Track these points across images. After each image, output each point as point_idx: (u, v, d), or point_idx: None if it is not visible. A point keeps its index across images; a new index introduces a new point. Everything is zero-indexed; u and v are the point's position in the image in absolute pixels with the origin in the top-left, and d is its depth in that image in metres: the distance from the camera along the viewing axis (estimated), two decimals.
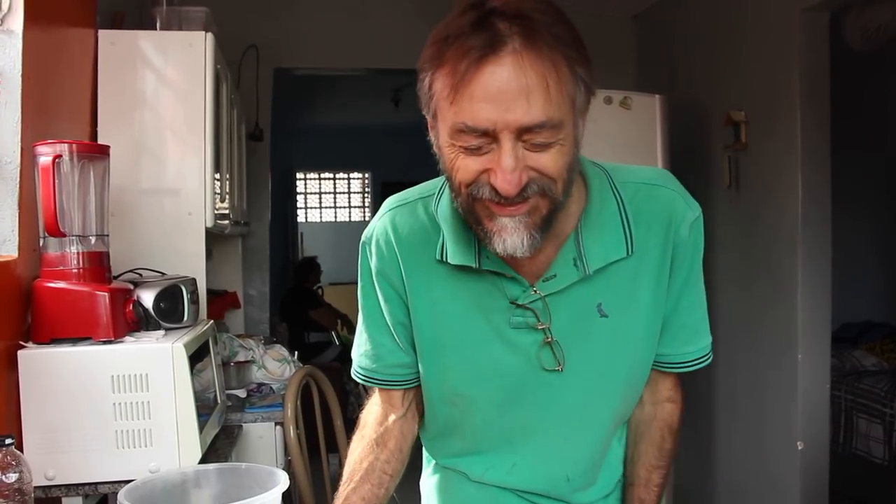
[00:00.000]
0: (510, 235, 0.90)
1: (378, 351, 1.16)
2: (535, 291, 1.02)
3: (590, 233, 1.01)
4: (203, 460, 1.71)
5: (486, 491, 1.18)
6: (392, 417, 1.20)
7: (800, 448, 2.94)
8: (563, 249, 1.01)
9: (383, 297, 1.12)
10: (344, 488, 1.17)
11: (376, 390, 1.21)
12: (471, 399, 1.11)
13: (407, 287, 1.08)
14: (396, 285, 1.09)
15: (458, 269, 1.03)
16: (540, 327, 1.02)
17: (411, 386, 1.18)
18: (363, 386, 1.28)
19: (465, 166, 0.89)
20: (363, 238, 1.13)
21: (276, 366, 2.76)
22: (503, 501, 1.17)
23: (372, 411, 1.22)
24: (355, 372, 1.20)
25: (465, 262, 1.01)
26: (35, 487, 1.41)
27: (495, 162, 0.87)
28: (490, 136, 0.86)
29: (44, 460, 1.59)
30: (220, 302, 3.44)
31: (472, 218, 0.94)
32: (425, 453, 1.29)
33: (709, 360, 1.15)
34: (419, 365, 1.13)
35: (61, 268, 1.70)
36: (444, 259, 1.03)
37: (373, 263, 1.11)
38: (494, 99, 0.84)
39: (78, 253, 1.71)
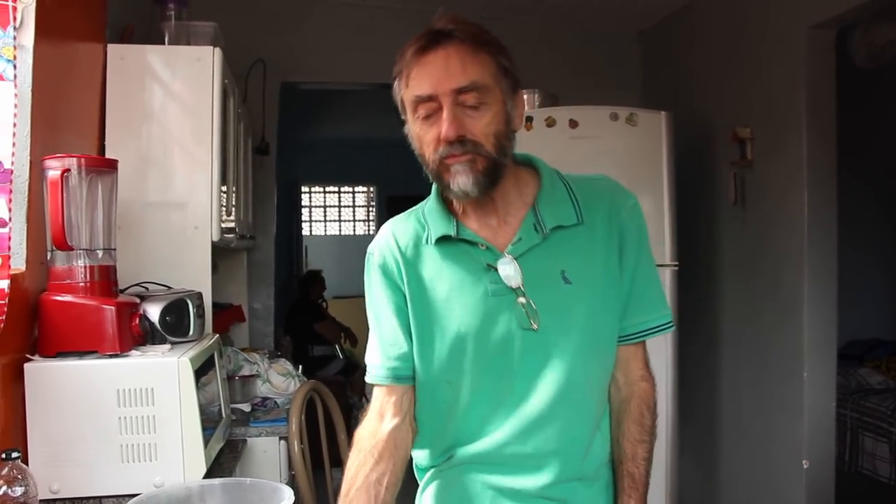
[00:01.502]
0: (461, 176, 1.18)
1: (382, 344, 1.31)
2: (505, 255, 1.24)
3: (544, 206, 1.26)
4: (208, 475, 1.71)
5: (477, 489, 1.28)
6: (386, 427, 1.29)
7: (805, 466, 2.93)
8: (525, 221, 1.26)
9: (385, 287, 1.30)
10: (342, 502, 1.26)
11: (369, 407, 1.33)
12: (460, 369, 1.25)
13: (405, 275, 1.28)
14: (396, 277, 1.30)
15: (442, 252, 1.27)
16: (513, 285, 1.22)
17: (411, 383, 1.30)
18: (365, 398, 1.36)
19: (427, 139, 1.19)
20: (368, 250, 1.35)
21: (280, 380, 2.76)
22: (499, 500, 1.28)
23: (366, 426, 1.31)
24: (368, 374, 1.34)
25: (445, 232, 1.26)
26: (40, 501, 1.41)
27: (442, 124, 1.16)
28: (435, 101, 1.16)
29: (49, 474, 1.59)
30: (226, 315, 3.43)
31: (440, 181, 1.22)
32: (418, 470, 1.39)
33: (671, 328, 1.32)
34: (415, 347, 1.28)
35: (68, 281, 1.70)
36: (430, 241, 1.28)
37: (377, 263, 1.32)
38: (434, 73, 1.16)
39: (85, 266, 1.72)
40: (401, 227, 1.33)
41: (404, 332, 1.29)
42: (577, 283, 1.24)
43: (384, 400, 1.30)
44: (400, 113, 1.26)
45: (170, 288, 2.12)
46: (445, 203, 1.30)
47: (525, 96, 3.22)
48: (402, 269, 1.29)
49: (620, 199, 1.30)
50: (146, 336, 1.80)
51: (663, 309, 1.32)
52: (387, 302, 1.30)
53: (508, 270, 1.22)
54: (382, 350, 1.31)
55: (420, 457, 1.37)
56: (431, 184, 1.28)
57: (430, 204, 1.32)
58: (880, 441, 3.63)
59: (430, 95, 1.16)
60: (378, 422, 1.30)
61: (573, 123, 3.11)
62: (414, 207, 1.36)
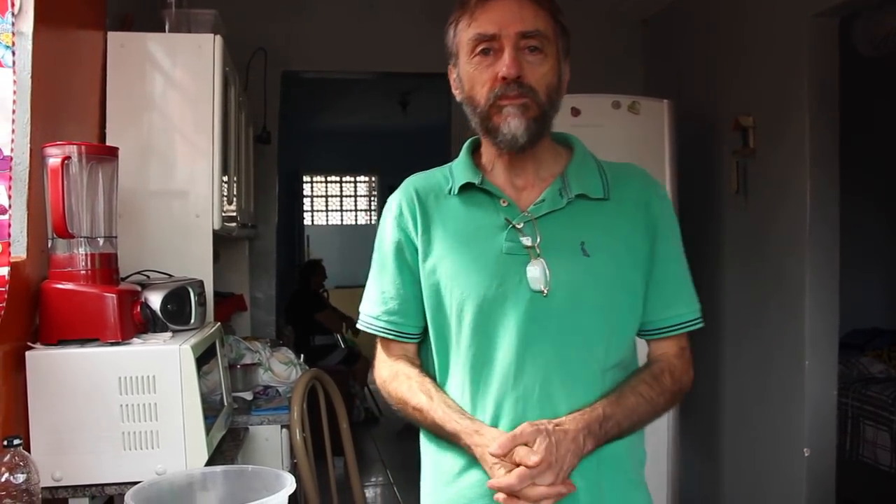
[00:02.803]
0: (513, 119, 1.18)
1: (383, 297, 1.30)
2: (527, 213, 1.22)
3: (573, 176, 1.26)
4: (209, 462, 1.71)
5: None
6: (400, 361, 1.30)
7: (806, 455, 2.93)
8: (551, 185, 1.25)
9: (396, 240, 1.29)
10: (430, 404, 1.23)
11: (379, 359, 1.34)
12: (460, 324, 1.22)
13: (420, 226, 1.27)
14: (410, 230, 1.28)
15: (463, 202, 1.26)
16: (528, 244, 1.20)
17: (404, 340, 1.30)
18: (368, 387, 1.35)
19: (482, 78, 1.19)
20: (388, 200, 1.34)
21: (282, 368, 2.76)
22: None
23: (383, 368, 1.32)
24: (361, 321, 1.34)
25: (470, 179, 1.25)
26: (42, 488, 1.41)
27: (501, 61, 1.17)
28: (497, 41, 1.17)
29: (51, 461, 1.59)
30: (227, 304, 3.44)
31: (487, 124, 1.21)
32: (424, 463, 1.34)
33: (700, 324, 1.30)
34: (425, 299, 1.26)
35: (69, 269, 1.70)
36: (453, 192, 1.27)
37: (394, 214, 1.30)
38: (502, 14, 1.18)
39: (86, 254, 1.72)
40: (423, 179, 1.33)
41: (405, 286, 1.28)
42: (596, 257, 1.20)
43: (389, 344, 1.32)
44: (449, 58, 1.26)
45: (171, 276, 2.12)
46: (474, 161, 1.30)
47: None
48: (419, 219, 1.27)
49: (653, 186, 1.30)
50: (147, 324, 1.80)
51: (695, 304, 1.30)
52: (392, 256, 1.29)
53: (527, 229, 1.21)
54: (382, 303, 1.30)
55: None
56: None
57: (459, 159, 1.32)
58: (881, 430, 3.63)
59: (493, 34, 1.17)
60: (388, 357, 1.32)
61: (575, 112, 3.10)
62: (442, 166, 1.35)
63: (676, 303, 1.27)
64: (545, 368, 1.18)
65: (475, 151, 1.33)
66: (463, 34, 1.21)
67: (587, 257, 1.20)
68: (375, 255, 1.33)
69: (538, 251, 1.20)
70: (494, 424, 1.19)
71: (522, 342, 1.19)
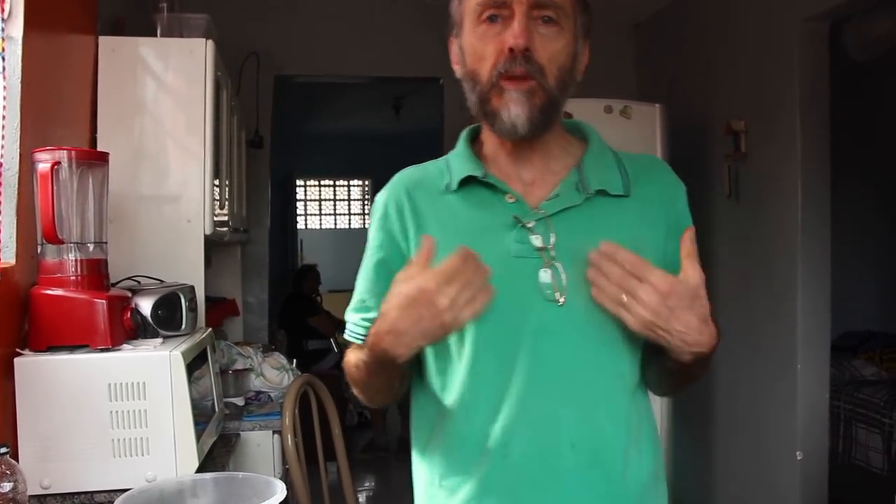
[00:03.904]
0: (515, 106, 1.03)
1: (363, 306, 1.17)
2: (539, 210, 1.08)
3: (590, 168, 1.11)
4: (200, 469, 1.70)
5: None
6: None
7: (799, 458, 2.93)
8: (566, 178, 1.11)
9: (379, 244, 1.16)
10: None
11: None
12: (469, 342, 1.07)
13: (411, 229, 1.12)
14: (397, 233, 1.14)
15: (463, 199, 1.11)
16: (541, 246, 1.06)
17: None
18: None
19: (487, 49, 1.04)
20: (376, 197, 1.20)
21: (274, 374, 2.75)
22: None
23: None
24: (347, 331, 1.20)
25: (471, 172, 1.11)
26: (30, 497, 1.40)
27: (510, 31, 1.02)
28: (507, 8, 1.03)
29: (39, 469, 1.58)
30: (219, 309, 3.43)
31: (486, 106, 1.06)
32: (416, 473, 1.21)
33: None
34: None
35: (59, 275, 1.69)
36: (451, 188, 1.12)
37: (379, 214, 1.17)
38: None
39: (76, 260, 1.71)
40: (416, 173, 1.19)
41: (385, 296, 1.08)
42: None
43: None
44: (451, 28, 1.13)
45: (162, 282, 2.11)
46: (474, 149, 1.16)
47: None
48: (409, 221, 1.13)
49: (676, 183, 1.18)
50: (138, 330, 1.79)
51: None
52: (373, 263, 1.16)
53: (539, 228, 1.06)
54: (363, 310, 1.17)
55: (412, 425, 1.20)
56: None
57: (456, 150, 1.17)
58: (873, 432, 3.64)
59: (503, 1, 1.03)
60: None
61: (567, 116, 3.08)
62: (436, 159, 1.21)
63: None
64: (562, 388, 1.05)
65: (475, 140, 1.18)
66: (467, 1, 1.08)
67: None
68: (363, 262, 1.20)
69: (552, 253, 1.05)
70: (506, 455, 1.05)
71: (536, 358, 1.05)
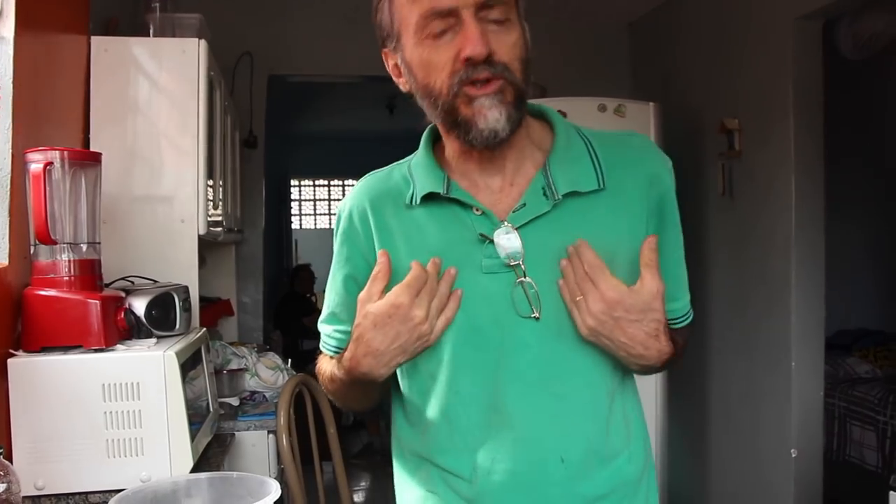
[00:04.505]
0: (489, 111, 0.97)
1: (333, 313, 1.16)
2: (506, 224, 1.03)
3: (558, 166, 1.05)
4: (195, 469, 1.70)
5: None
6: None
7: (793, 455, 2.94)
8: (532, 183, 1.04)
9: (345, 258, 1.14)
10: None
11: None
12: (439, 359, 1.06)
13: (376, 243, 1.09)
14: (362, 246, 1.11)
15: (428, 215, 1.06)
16: (512, 263, 1.02)
17: None
18: None
19: (441, 61, 0.97)
20: (338, 208, 1.17)
21: (269, 374, 2.75)
22: None
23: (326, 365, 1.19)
24: (322, 343, 1.19)
25: (433, 189, 1.05)
26: (24, 497, 1.40)
27: (462, 38, 0.96)
28: (454, 16, 0.96)
29: (33, 470, 1.57)
30: (214, 309, 3.42)
31: (453, 117, 0.99)
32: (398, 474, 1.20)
33: (691, 317, 1.15)
34: None
35: (52, 276, 1.69)
36: (415, 201, 1.07)
37: (343, 227, 1.14)
38: None
39: (69, 261, 1.70)
40: (379, 184, 1.13)
41: (350, 309, 1.09)
42: None
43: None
44: (384, 41, 1.07)
45: (156, 282, 2.10)
46: (436, 156, 1.10)
47: None
48: (374, 234, 1.09)
49: (659, 162, 1.10)
50: (132, 330, 1.79)
51: (687, 294, 1.13)
52: (341, 276, 1.14)
53: (507, 242, 1.01)
54: (332, 321, 1.16)
55: (393, 438, 1.19)
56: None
57: (418, 156, 1.11)
58: (868, 430, 3.65)
59: (450, 9, 0.95)
60: None
61: (561, 115, 3.10)
62: (394, 163, 1.16)
63: (675, 296, 1.10)
64: (546, 402, 1.03)
65: (436, 142, 1.13)
66: (405, 10, 1.00)
67: None
68: (330, 275, 1.18)
69: (523, 268, 1.02)
70: (489, 474, 1.04)
71: (516, 374, 1.03)
